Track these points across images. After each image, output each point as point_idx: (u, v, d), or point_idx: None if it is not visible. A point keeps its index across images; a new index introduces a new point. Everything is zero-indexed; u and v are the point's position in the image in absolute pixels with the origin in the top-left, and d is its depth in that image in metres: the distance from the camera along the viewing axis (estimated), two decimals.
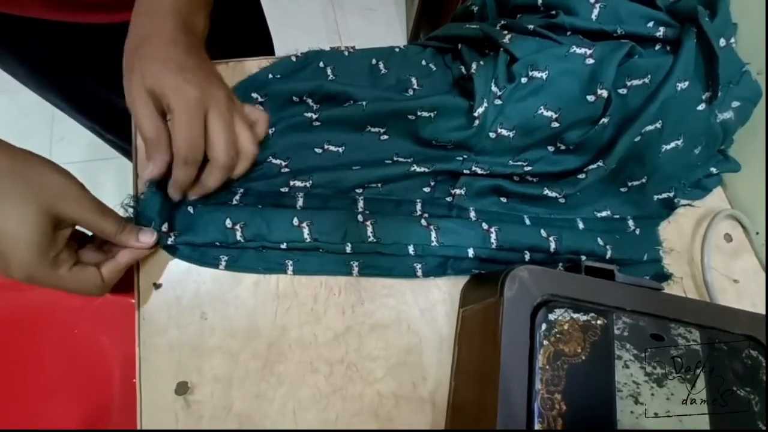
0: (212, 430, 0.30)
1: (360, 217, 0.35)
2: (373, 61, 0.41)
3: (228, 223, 0.33)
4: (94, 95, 0.49)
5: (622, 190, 0.39)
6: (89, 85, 0.48)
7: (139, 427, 0.31)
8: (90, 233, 0.31)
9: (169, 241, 0.33)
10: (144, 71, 0.29)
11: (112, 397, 0.54)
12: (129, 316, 0.56)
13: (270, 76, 0.39)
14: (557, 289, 0.28)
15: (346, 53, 0.41)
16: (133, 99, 0.29)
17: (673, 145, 0.36)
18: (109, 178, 1.08)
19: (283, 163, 0.37)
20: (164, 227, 0.33)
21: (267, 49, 0.60)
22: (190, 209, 0.34)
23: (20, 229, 0.26)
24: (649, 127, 0.35)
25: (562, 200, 0.38)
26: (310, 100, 0.38)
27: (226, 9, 0.46)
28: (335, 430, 0.31)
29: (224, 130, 0.30)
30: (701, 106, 0.36)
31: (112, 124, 0.56)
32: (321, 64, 0.40)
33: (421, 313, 0.34)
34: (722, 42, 0.35)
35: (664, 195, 0.39)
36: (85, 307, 0.57)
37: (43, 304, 0.56)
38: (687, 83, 0.35)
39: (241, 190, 0.36)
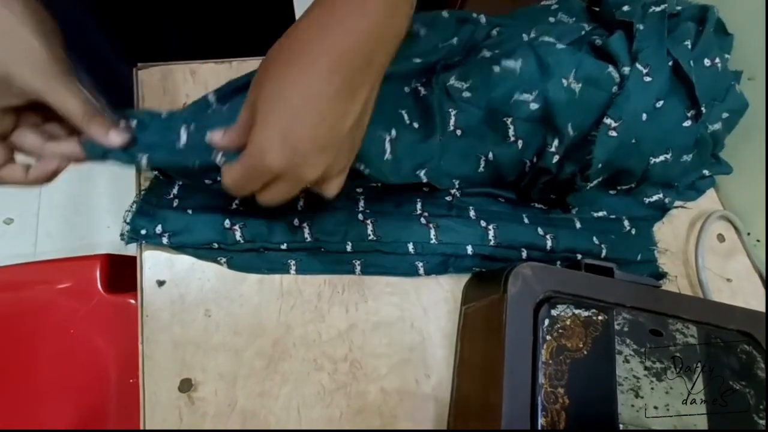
0: (213, 430, 0.30)
1: (360, 216, 0.35)
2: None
3: (227, 223, 0.33)
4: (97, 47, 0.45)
5: (612, 192, 0.40)
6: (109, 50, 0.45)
7: (141, 425, 0.30)
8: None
9: (164, 241, 0.33)
10: (287, 134, 0.22)
11: (108, 397, 0.53)
12: (125, 315, 0.56)
13: None
14: (559, 285, 0.28)
15: None
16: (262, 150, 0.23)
17: (662, 158, 0.37)
18: (102, 174, 1.07)
19: None
20: (158, 229, 0.33)
21: None
22: (189, 211, 0.34)
23: None
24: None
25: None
26: None
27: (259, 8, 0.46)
28: (339, 430, 0.31)
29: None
30: (687, 123, 0.36)
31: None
32: None
33: (424, 311, 0.35)
34: (707, 62, 0.37)
35: (655, 197, 0.40)
36: (81, 307, 0.56)
37: (39, 304, 0.55)
38: (662, 102, 0.35)
39: None
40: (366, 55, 0.22)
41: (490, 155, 0.35)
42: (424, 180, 0.34)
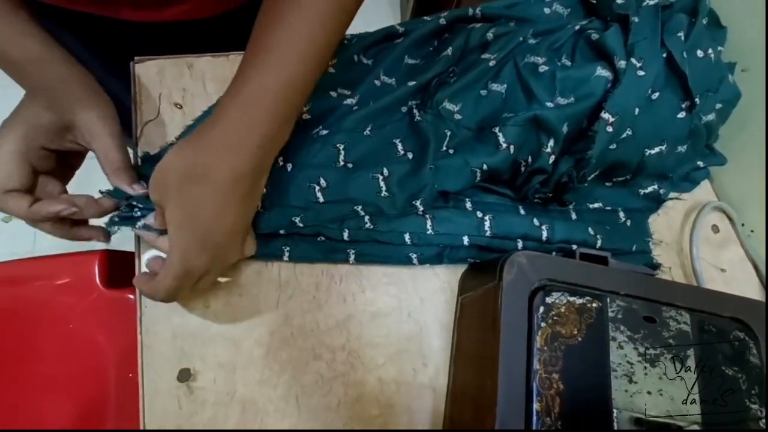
0: (209, 430, 0.31)
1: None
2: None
3: None
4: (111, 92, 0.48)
5: (608, 184, 0.40)
6: (108, 78, 0.47)
7: (140, 415, 0.31)
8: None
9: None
10: (181, 243, 0.28)
11: (107, 392, 0.53)
12: (124, 310, 0.56)
13: None
14: (554, 273, 0.29)
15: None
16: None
17: (657, 150, 0.37)
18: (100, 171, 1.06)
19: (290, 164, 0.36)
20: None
21: None
22: None
23: (37, 108, 0.29)
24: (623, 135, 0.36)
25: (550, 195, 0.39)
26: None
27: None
28: (338, 430, 0.31)
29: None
30: (681, 114, 0.37)
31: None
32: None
33: (421, 301, 0.35)
34: (700, 53, 0.37)
35: (650, 189, 0.40)
36: (80, 302, 0.57)
37: (39, 299, 0.56)
38: (657, 94, 0.36)
39: None
40: (258, 169, 0.29)
41: (484, 166, 0.35)
42: (421, 209, 0.35)
